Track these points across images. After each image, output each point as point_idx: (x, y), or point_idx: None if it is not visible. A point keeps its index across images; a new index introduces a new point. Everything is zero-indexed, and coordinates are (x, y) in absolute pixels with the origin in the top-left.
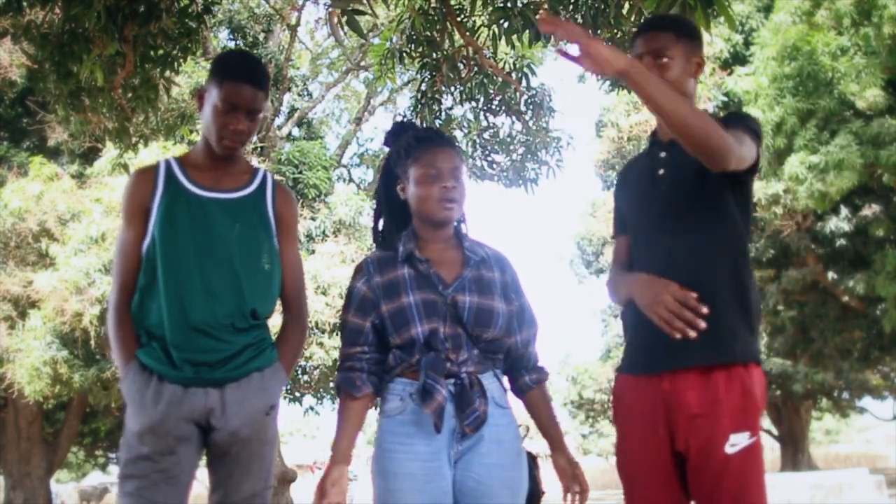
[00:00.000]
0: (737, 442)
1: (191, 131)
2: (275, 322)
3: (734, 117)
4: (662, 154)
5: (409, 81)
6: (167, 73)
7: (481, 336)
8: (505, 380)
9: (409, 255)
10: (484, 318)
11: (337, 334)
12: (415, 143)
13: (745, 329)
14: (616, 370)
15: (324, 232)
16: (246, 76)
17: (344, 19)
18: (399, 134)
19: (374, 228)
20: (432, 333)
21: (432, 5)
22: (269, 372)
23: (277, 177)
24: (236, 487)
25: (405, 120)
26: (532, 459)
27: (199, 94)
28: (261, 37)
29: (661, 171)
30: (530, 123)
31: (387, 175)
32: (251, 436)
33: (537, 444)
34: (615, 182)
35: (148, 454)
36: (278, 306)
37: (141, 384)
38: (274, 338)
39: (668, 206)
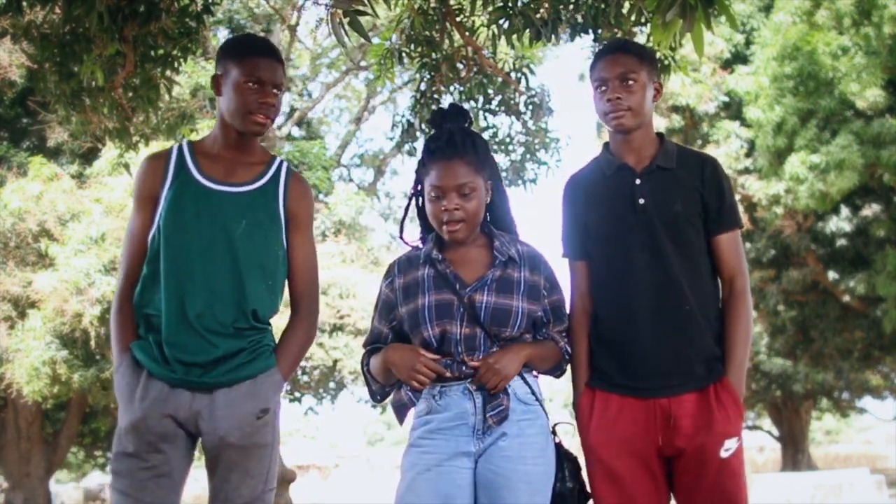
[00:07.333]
0: (730, 447)
1: (191, 131)
2: (280, 321)
3: (727, 217)
4: (638, 181)
5: (408, 81)
6: (168, 73)
7: (499, 335)
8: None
9: (428, 255)
10: (501, 318)
11: (337, 335)
12: (427, 153)
13: (720, 346)
14: (588, 384)
15: (324, 232)
16: (265, 51)
17: (346, 20)
18: (428, 140)
19: (402, 220)
20: (443, 335)
21: (432, 5)
22: (263, 377)
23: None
24: (235, 491)
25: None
26: (572, 461)
27: (214, 80)
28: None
29: (642, 201)
30: (530, 123)
31: (416, 180)
32: (242, 441)
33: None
34: (567, 199)
35: (133, 452)
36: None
37: (130, 380)
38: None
39: (654, 236)
